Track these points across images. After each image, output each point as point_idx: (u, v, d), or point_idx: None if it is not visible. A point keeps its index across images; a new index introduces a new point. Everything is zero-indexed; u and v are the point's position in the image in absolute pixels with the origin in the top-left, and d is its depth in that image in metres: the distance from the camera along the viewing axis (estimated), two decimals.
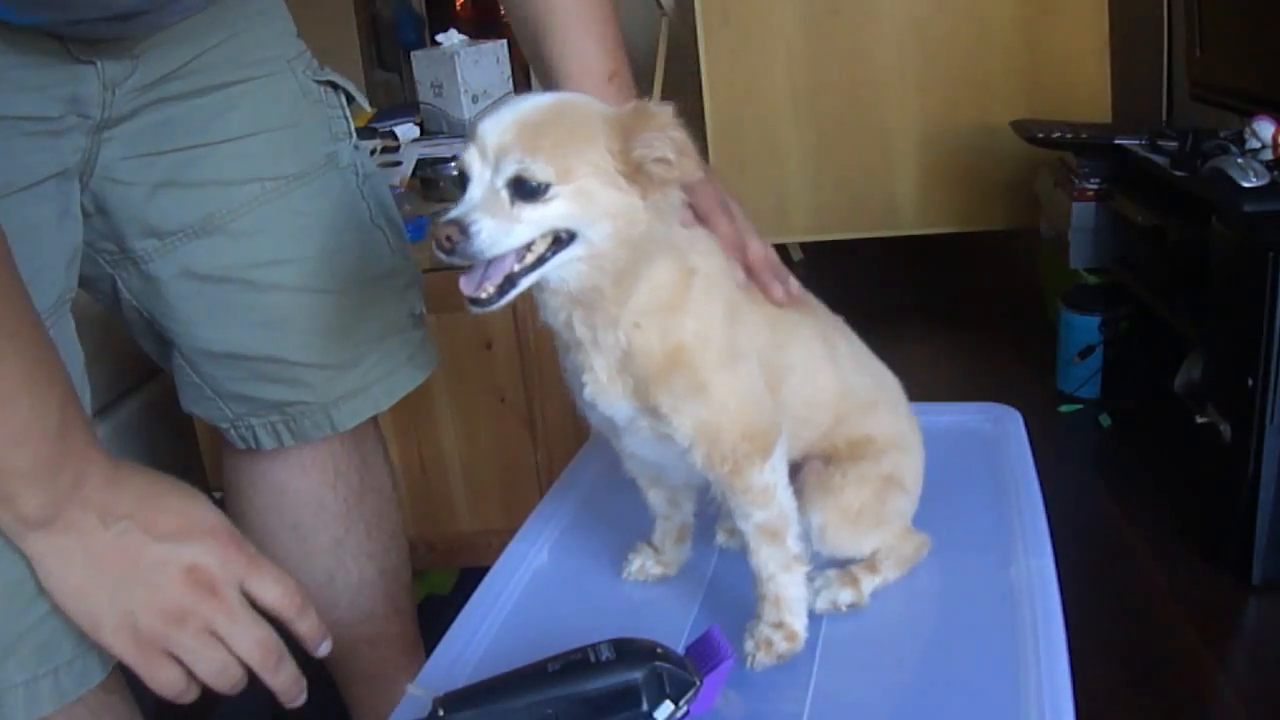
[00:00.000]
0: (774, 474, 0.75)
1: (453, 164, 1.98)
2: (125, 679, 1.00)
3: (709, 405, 0.72)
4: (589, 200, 0.66)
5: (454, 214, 0.65)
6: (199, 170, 0.97)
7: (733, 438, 0.73)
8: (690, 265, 0.73)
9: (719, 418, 0.73)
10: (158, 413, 1.70)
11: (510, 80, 2.28)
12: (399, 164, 2.06)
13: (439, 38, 2.21)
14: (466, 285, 0.67)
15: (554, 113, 0.68)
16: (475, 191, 0.66)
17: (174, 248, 0.98)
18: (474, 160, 0.66)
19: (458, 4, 5.61)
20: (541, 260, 0.67)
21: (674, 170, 0.67)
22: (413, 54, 2.26)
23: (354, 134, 1.08)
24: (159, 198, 0.96)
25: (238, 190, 0.99)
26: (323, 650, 0.82)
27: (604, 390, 0.73)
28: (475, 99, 2.18)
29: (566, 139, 0.66)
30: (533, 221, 0.65)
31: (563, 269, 0.68)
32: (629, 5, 3.83)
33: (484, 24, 5.38)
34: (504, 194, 0.65)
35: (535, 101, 0.68)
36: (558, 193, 0.65)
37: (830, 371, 0.83)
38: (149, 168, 0.94)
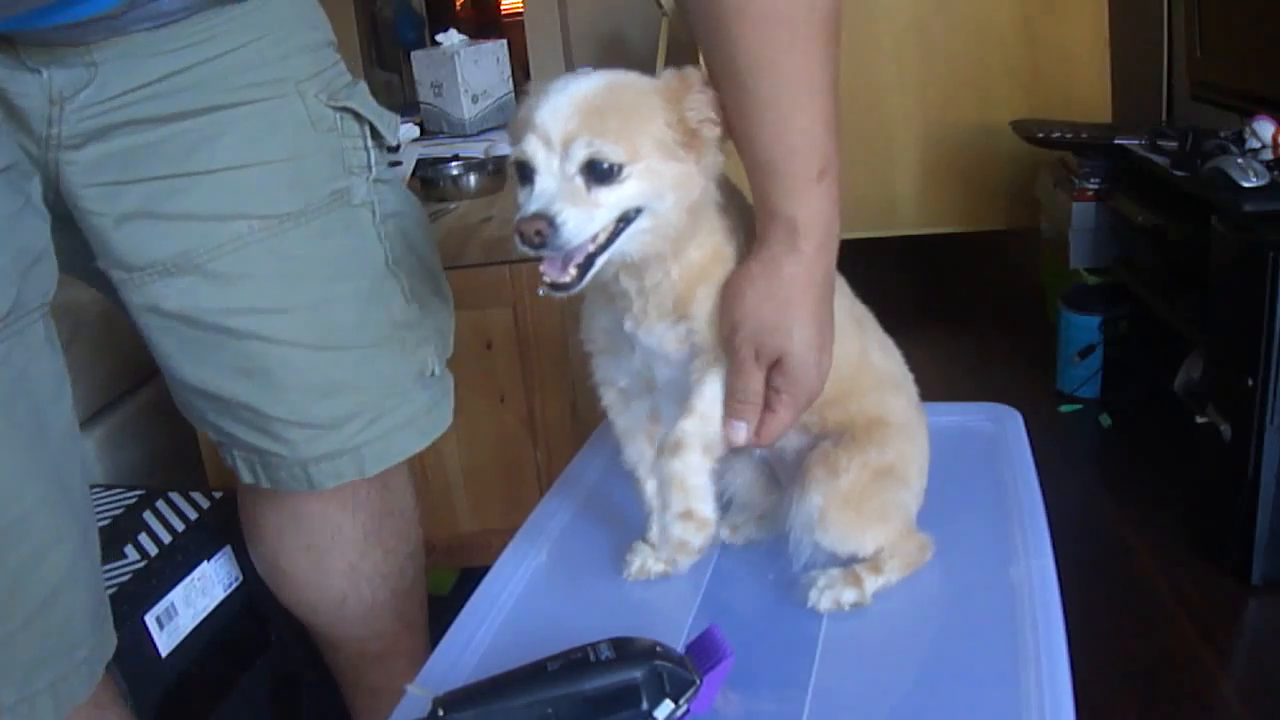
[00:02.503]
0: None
1: (454, 164, 2.00)
2: (121, 690, 0.99)
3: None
4: (657, 176, 0.68)
5: (535, 207, 0.66)
6: (176, 202, 0.87)
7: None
8: (734, 224, 0.76)
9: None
10: (158, 413, 1.71)
11: (510, 80, 2.28)
12: (399, 164, 2.06)
13: (439, 38, 2.21)
14: (551, 269, 0.68)
15: (613, 94, 0.68)
16: (547, 181, 0.67)
17: (142, 283, 0.90)
18: (538, 149, 0.67)
19: (458, 4, 5.61)
20: (613, 238, 0.69)
21: (717, 128, 0.70)
22: (413, 54, 2.26)
23: (375, 167, 0.97)
24: (126, 230, 0.87)
25: (220, 227, 0.89)
26: None
27: (644, 319, 0.75)
28: (475, 99, 2.18)
29: (630, 118, 0.67)
30: (610, 204, 0.67)
31: (629, 241, 0.70)
32: (629, 5, 3.83)
33: (484, 24, 5.39)
34: (578, 180, 0.66)
35: (588, 84, 0.68)
36: (630, 172, 0.67)
37: (855, 341, 0.83)
38: (114, 198, 0.86)
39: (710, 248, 0.75)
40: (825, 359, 0.76)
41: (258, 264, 0.91)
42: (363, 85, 0.99)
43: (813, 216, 0.73)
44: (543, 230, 0.65)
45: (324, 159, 0.93)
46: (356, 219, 0.96)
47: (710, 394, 0.76)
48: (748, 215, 0.77)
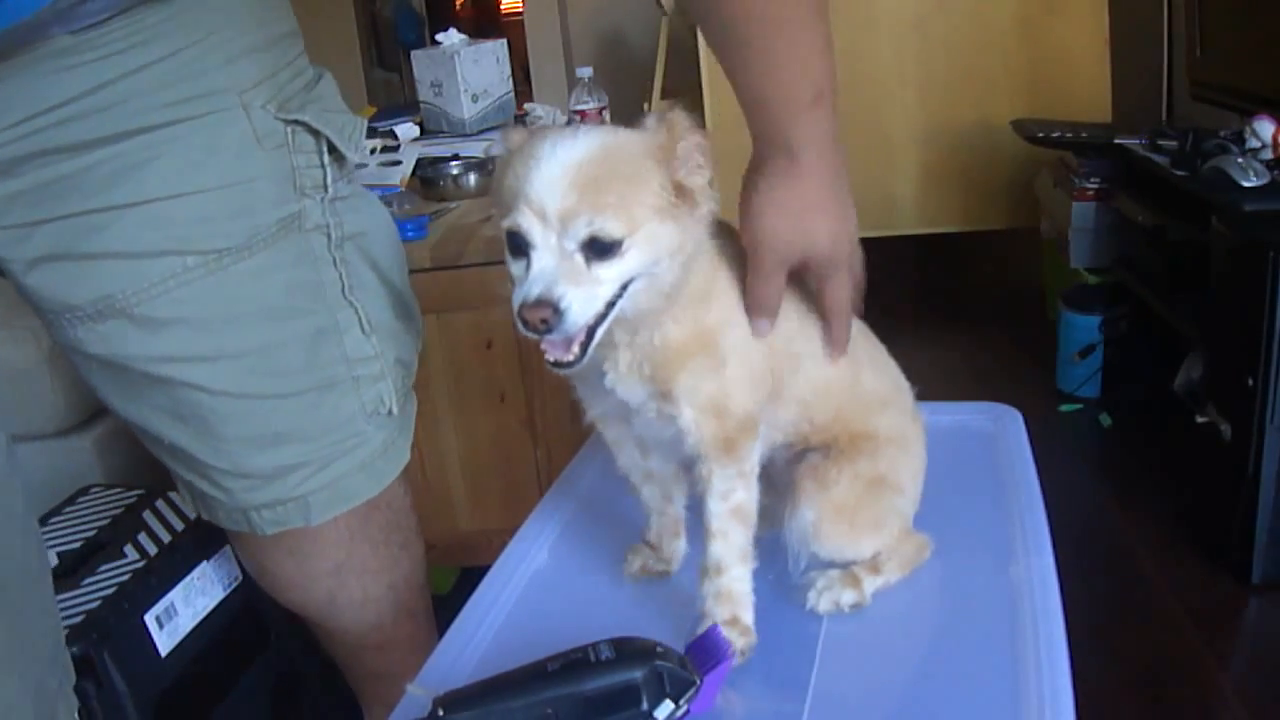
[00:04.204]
0: (756, 456, 0.76)
1: (454, 163, 2.00)
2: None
3: (722, 382, 0.73)
4: (656, 242, 0.66)
5: (537, 291, 0.63)
6: (96, 241, 0.77)
7: (736, 413, 0.74)
8: (717, 257, 0.75)
9: (728, 393, 0.74)
10: None
11: (510, 80, 2.28)
12: (399, 163, 2.06)
13: (439, 37, 2.21)
14: (554, 350, 0.67)
15: (607, 162, 0.65)
16: (546, 259, 0.64)
17: (61, 327, 0.82)
18: (533, 224, 0.64)
19: (458, 4, 5.62)
20: (612, 305, 0.67)
21: (707, 173, 0.68)
22: (413, 53, 2.26)
23: (332, 186, 0.87)
24: (39, 274, 0.79)
25: (148, 266, 0.79)
26: None
27: (623, 378, 0.74)
28: (475, 98, 2.18)
29: (627, 189, 0.65)
30: (611, 280, 0.65)
31: (626, 301, 0.68)
32: (629, 5, 3.83)
33: (484, 24, 5.40)
34: (578, 257, 0.64)
35: (580, 150, 0.65)
36: (631, 244, 0.65)
37: (845, 366, 0.83)
38: (22, 242, 0.77)
39: (689, 323, 0.72)
40: (853, 228, 0.80)
41: (192, 307, 0.81)
42: (326, 82, 0.90)
43: (808, 137, 0.74)
44: (549, 319, 0.63)
45: (271, 181, 0.83)
46: (308, 247, 0.86)
47: (718, 509, 0.75)
48: (739, 260, 0.76)
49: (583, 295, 0.64)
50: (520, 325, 0.64)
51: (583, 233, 0.64)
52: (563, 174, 0.64)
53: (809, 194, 0.76)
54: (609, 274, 0.65)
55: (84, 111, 0.74)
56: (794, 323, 0.79)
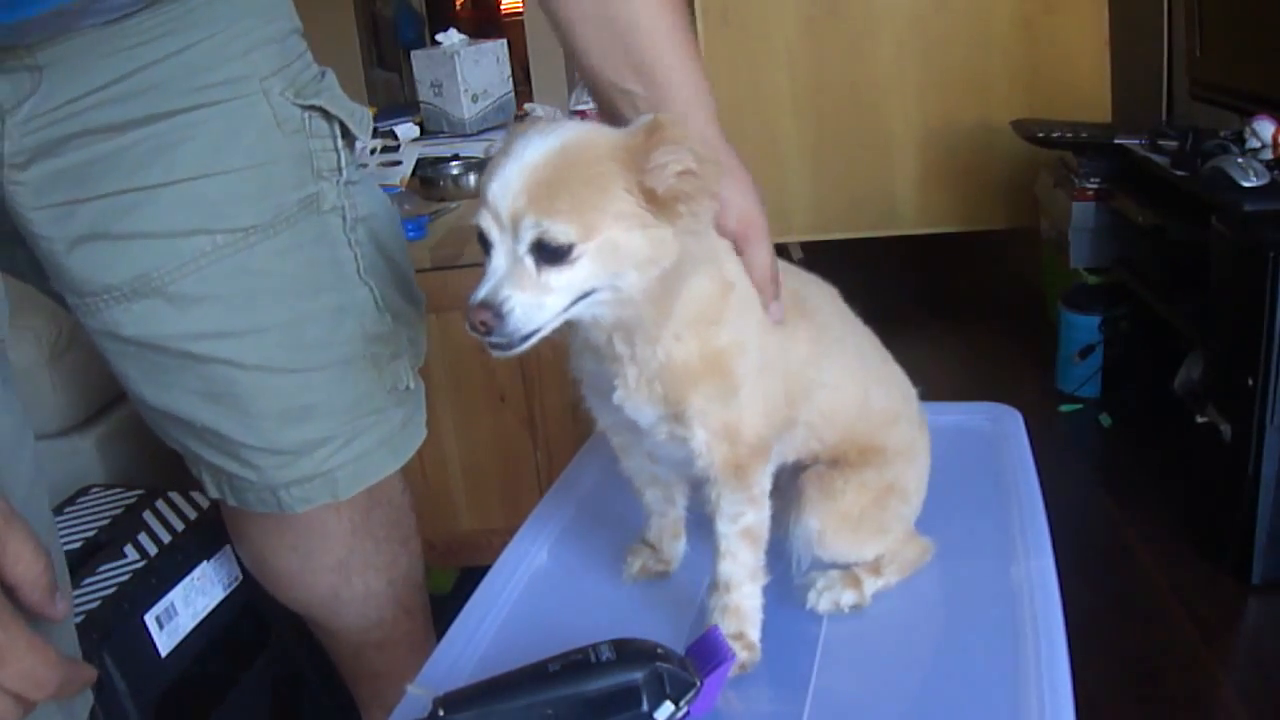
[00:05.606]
0: (768, 479, 0.76)
1: (454, 163, 2.00)
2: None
3: (736, 408, 0.72)
4: (615, 253, 0.63)
5: (483, 293, 0.62)
6: (132, 220, 0.81)
7: (749, 440, 0.73)
8: (728, 278, 0.72)
9: (741, 419, 0.73)
10: None
11: (510, 80, 2.28)
12: (399, 163, 2.06)
13: (439, 37, 2.21)
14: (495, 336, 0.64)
15: (564, 164, 0.62)
16: (499, 260, 0.63)
17: (97, 308, 0.84)
18: (491, 226, 0.63)
19: (458, 4, 5.62)
20: (563, 310, 0.65)
21: (699, 180, 0.63)
22: (413, 53, 2.26)
23: (345, 169, 0.91)
24: (79, 254, 0.82)
25: (181, 245, 0.82)
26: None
27: (632, 395, 0.72)
28: (475, 98, 2.18)
29: (583, 193, 0.62)
30: (562, 289, 0.62)
31: (591, 309, 0.66)
32: None
33: (484, 24, 5.40)
34: (528, 261, 0.62)
35: (540, 152, 0.62)
36: (583, 251, 0.61)
37: (856, 391, 0.82)
38: (65, 220, 0.80)
39: (695, 344, 0.70)
40: None
41: (222, 283, 0.85)
42: (331, 76, 0.93)
43: (714, 110, 0.81)
44: (488, 321, 0.62)
45: (291, 163, 0.87)
46: (326, 227, 0.90)
47: (727, 530, 0.74)
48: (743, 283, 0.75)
49: (527, 300, 0.62)
50: (469, 328, 0.63)
51: (529, 235, 0.61)
52: (519, 174, 0.62)
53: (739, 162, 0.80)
54: (559, 282, 0.62)
55: (119, 95, 0.78)
56: (805, 348, 0.78)
